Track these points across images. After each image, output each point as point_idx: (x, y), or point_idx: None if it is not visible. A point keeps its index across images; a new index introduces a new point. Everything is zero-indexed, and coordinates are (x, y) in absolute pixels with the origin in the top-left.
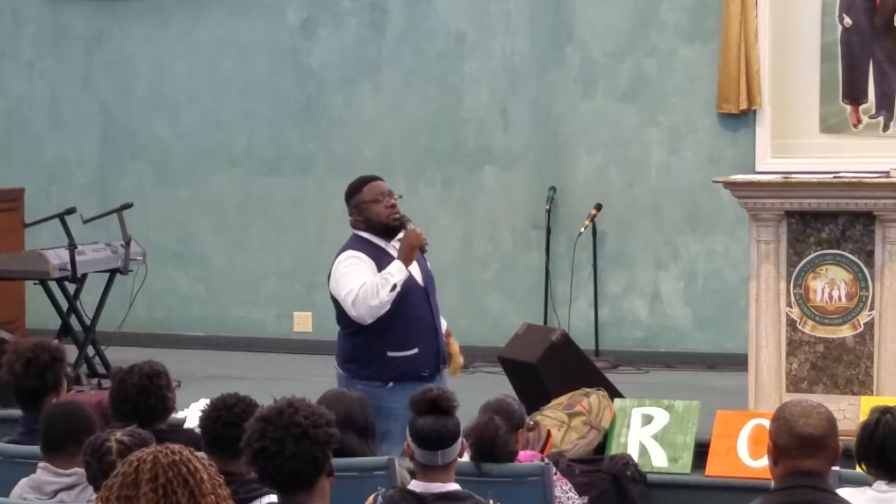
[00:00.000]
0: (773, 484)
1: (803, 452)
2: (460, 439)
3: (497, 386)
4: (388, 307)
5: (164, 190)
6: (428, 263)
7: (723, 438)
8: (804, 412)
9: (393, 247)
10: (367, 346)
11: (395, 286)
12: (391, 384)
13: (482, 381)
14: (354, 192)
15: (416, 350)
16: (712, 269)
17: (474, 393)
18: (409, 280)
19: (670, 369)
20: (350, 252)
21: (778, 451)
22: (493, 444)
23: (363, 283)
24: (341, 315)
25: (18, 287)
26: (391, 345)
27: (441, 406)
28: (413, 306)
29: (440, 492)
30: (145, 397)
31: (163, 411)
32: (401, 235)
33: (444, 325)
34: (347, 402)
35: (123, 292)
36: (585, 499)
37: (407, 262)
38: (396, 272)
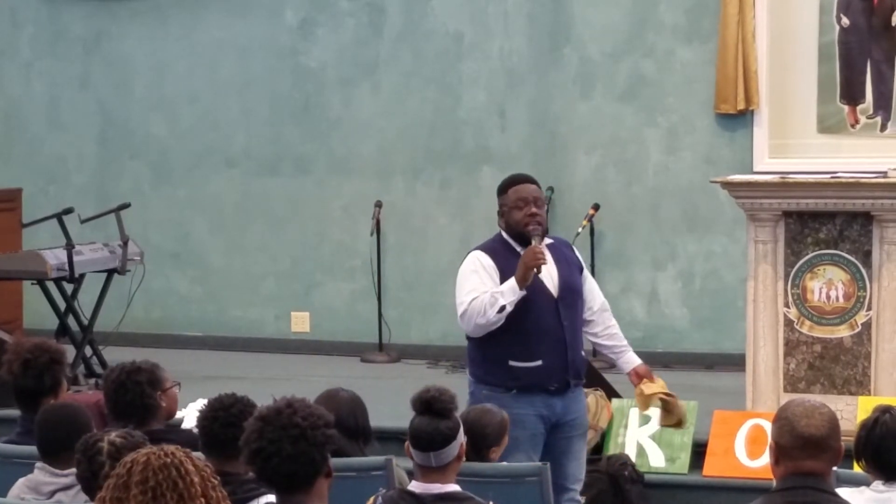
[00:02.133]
0: (773, 483)
1: (804, 453)
2: (458, 441)
3: None
4: (498, 324)
5: (162, 190)
6: (582, 275)
7: (720, 438)
8: (806, 412)
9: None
10: (490, 353)
11: (503, 307)
12: (514, 392)
13: None
14: (500, 192)
15: (539, 362)
16: (710, 269)
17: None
18: (538, 291)
19: (668, 369)
20: (476, 254)
21: (779, 452)
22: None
23: (474, 299)
24: None
25: (16, 287)
26: (513, 355)
27: (435, 407)
28: (538, 317)
29: (439, 493)
30: (122, 393)
31: (143, 408)
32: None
33: (634, 362)
34: (338, 404)
35: (121, 292)
36: (583, 498)
37: (521, 282)
38: (508, 293)
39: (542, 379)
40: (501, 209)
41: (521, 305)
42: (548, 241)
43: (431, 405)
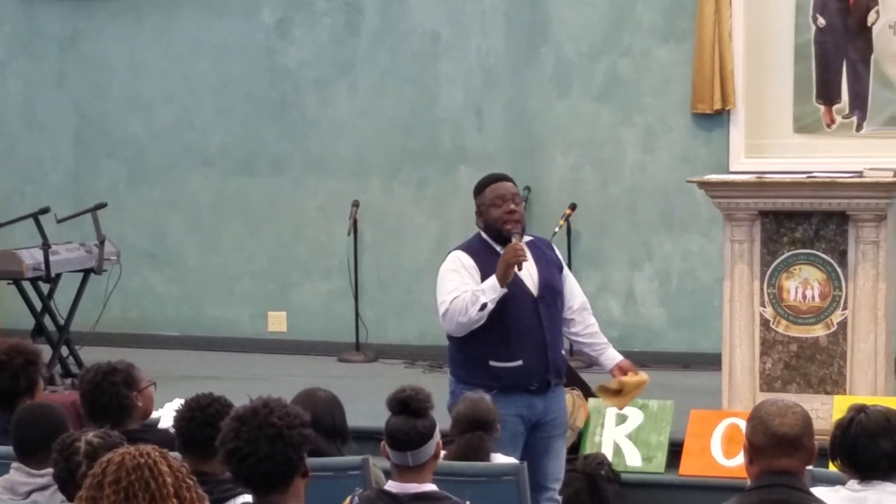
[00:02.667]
0: (748, 483)
1: (778, 452)
2: (434, 441)
3: None
4: (480, 323)
5: (139, 189)
6: (562, 274)
7: (697, 438)
8: (780, 411)
9: None
10: (471, 353)
11: (485, 305)
12: (495, 391)
13: None
14: (477, 191)
15: (520, 362)
16: (686, 268)
17: (447, 393)
18: (518, 290)
19: (644, 369)
20: (457, 254)
21: (753, 451)
22: (479, 456)
23: (455, 297)
24: None
25: None
26: (494, 355)
27: (411, 407)
28: (518, 317)
29: (416, 492)
30: (99, 394)
31: (119, 409)
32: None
33: (616, 358)
34: (315, 403)
35: (97, 292)
36: (560, 498)
37: (502, 279)
38: (489, 290)
39: (523, 379)
40: (479, 208)
41: (501, 305)
42: (527, 239)
43: (408, 405)
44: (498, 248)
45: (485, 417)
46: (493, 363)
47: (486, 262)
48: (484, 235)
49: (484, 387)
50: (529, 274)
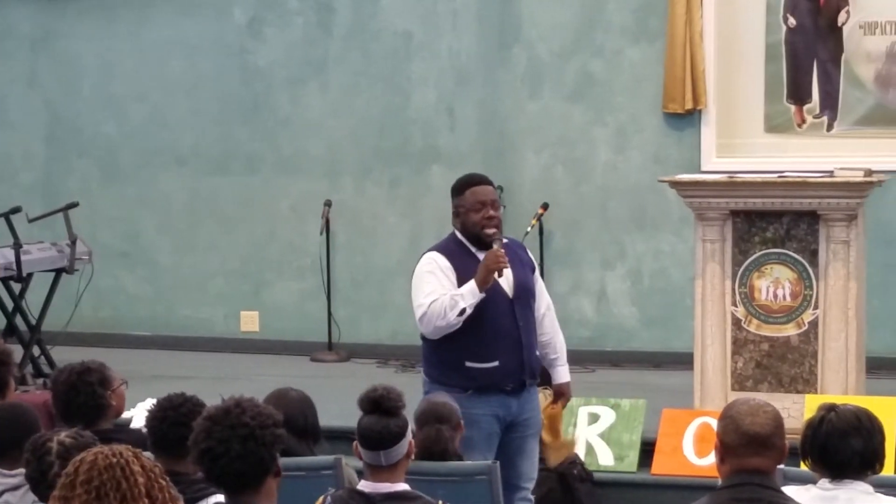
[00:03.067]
0: (719, 481)
1: (749, 451)
2: (406, 440)
3: None
4: (455, 327)
5: (111, 189)
6: (534, 275)
7: (669, 437)
8: (751, 411)
9: (484, 254)
10: (446, 353)
11: (463, 310)
12: (471, 392)
13: None
14: (457, 192)
15: (496, 363)
16: (658, 268)
17: (421, 392)
18: (494, 292)
19: (617, 368)
20: (432, 255)
21: (724, 450)
22: (443, 454)
23: (433, 301)
24: None
25: None
26: (470, 355)
27: (383, 406)
28: (495, 318)
29: (388, 492)
30: (74, 395)
31: (96, 409)
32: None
33: (561, 379)
34: (287, 403)
35: (69, 292)
36: (533, 498)
37: (482, 285)
38: (468, 295)
39: (499, 379)
40: (458, 210)
41: (478, 306)
42: (503, 240)
43: (380, 404)
44: (473, 249)
45: (441, 411)
46: (469, 364)
47: (462, 263)
48: (459, 236)
49: (459, 387)
50: (506, 275)
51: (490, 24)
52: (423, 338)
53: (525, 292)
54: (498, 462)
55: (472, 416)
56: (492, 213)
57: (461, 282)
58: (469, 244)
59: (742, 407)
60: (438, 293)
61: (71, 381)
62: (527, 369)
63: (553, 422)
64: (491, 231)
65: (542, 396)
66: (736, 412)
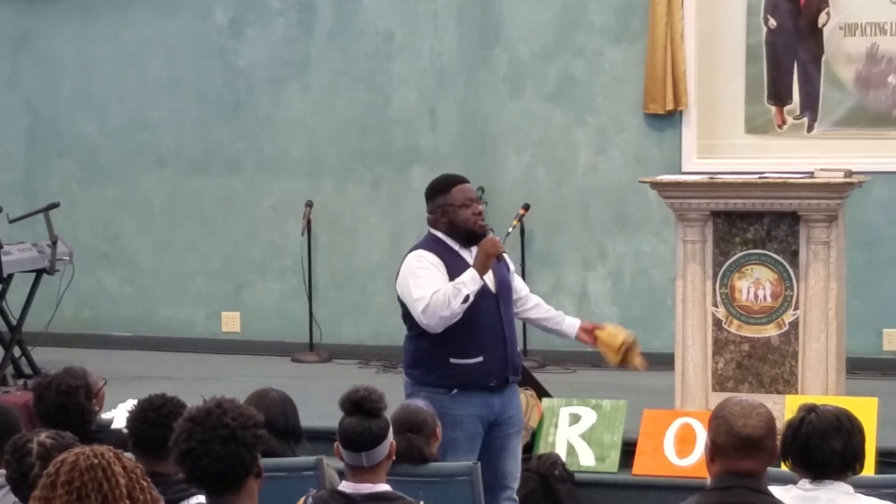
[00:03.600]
0: (705, 481)
1: (741, 453)
2: (388, 441)
3: None
4: (459, 317)
5: (92, 189)
6: (509, 271)
7: (650, 437)
8: (744, 412)
9: (468, 252)
10: (431, 350)
11: (467, 297)
12: (455, 391)
13: None
14: (440, 191)
15: (480, 358)
16: (639, 268)
17: (402, 393)
18: (481, 287)
19: (597, 369)
20: (421, 252)
21: (715, 450)
22: (421, 460)
23: (435, 292)
24: (406, 316)
25: None
26: (455, 352)
27: (365, 407)
28: (481, 314)
29: (369, 492)
30: (64, 414)
31: (82, 423)
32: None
33: (576, 324)
34: (268, 404)
35: (50, 292)
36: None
37: (482, 271)
38: (470, 282)
39: (483, 376)
40: (444, 208)
41: None
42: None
43: (361, 405)
44: (456, 248)
45: (414, 419)
46: (453, 360)
47: (449, 260)
48: (440, 235)
49: (441, 386)
50: (490, 271)
51: (471, 25)
52: (408, 338)
53: (506, 289)
54: (479, 463)
55: (456, 418)
56: (479, 208)
57: (450, 278)
58: (451, 241)
59: (735, 408)
60: (438, 284)
61: (59, 401)
62: (510, 365)
63: (625, 346)
64: (482, 224)
65: (524, 398)
66: (729, 413)
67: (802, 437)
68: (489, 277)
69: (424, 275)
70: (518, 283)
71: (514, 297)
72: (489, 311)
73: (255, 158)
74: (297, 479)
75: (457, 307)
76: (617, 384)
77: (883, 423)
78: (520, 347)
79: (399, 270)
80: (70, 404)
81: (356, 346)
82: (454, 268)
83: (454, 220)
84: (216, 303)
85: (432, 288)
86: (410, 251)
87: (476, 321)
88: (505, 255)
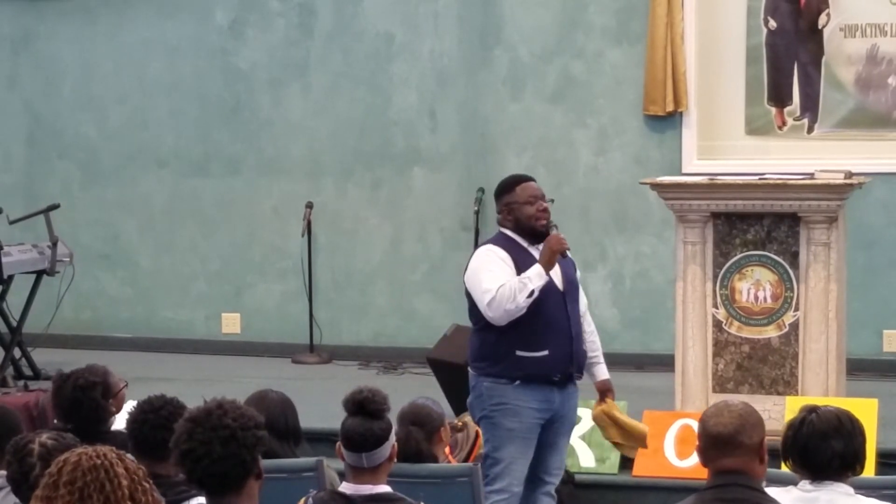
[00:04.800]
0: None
1: (719, 451)
2: (389, 443)
3: (426, 387)
4: (523, 311)
5: (92, 190)
6: (576, 271)
7: (650, 439)
8: (717, 411)
9: (536, 249)
10: (497, 343)
11: (532, 292)
12: (518, 383)
13: (411, 381)
14: (506, 190)
15: (545, 352)
16: (639, 270)
17: (402, 394)
18: (548, 283)
19: None
20: (490, 247)
21: (699, 452)
22: (417, 456)
23: (501, 285)
24: (473, 309)
25: None
26: (521, 344)
27: (368, 408)
28: (547, 309)
29: (370, 493)
30: (77, 408)
31: (97, 420)
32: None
33: (600, 376)
34: (268, 405)
35: (50, 294)
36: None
37: (547, 267)
38: (536, 277)
39: (548, 369)
40: (509, 206)
41: None
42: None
43: (364, 406)
44: (524, 244)
45: (418, 413)
46: (519, 353)
47: (518, 256)
48: (510, 233)
49: (506, 377)
50: (555, 269)
51: (471, 26)
52: (474, 331)
53: (573, 287)
54: (479, 464)
55: (516, 408)
56: (544, 205)
57: (518, 273)
58: (520, 239)
59: (710, 409)
60: (504, 278)
61: (75, 396)
62: (574, 361)
63: (614, 419)
64: (547, 221)
65: None
66: (705, 414)
67: (803, 437)
68: (556, 274)
69: (493, 268)
70: (581, 295)
71: None
72: (556, 306)
73: (255, 159)
74: (298, 480)
75: (522, 301)
76: (617, 385)
77: (883, 424)
78: None
79: (467, 265)
80: (85, 399)
81: (356, 348)
82: (522, 263)
83: (519, 218)
84: (216, 304)
85: (499, 281)
86: (480, 246)
87: (542, 316)
88: (570, 256)
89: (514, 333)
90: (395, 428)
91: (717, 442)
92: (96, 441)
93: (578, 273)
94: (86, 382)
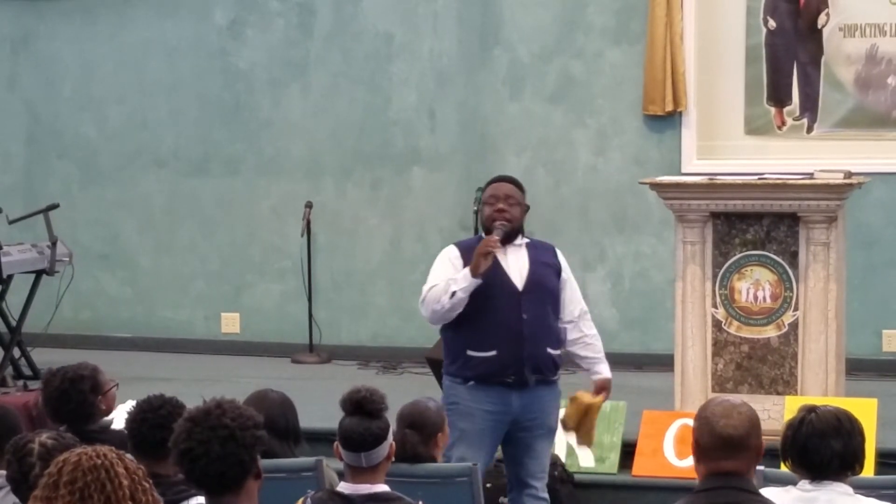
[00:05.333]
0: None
1: (723, 453)
2: (387, 442)
3: (425, 387)
4: (454, 311)
5: (91, 190)
6: (560, 278)
7: (649, 438)
8: (725, 412)
9: (504, 249)
10: (452, 341)
11: (454, 293)
12: (472, 383)
13: (410, 381)
14: (483, 190)
15: (494, 352)
16: (639, 270)
17: (401, 394)
18: (501, 283)
19: None
20: (447, 248)
21: (699, 451)
22: (414, 458)
23: (433, 286)
24: None
25: None
26: (471, 343)
27: (366, 408)
28: (498, 309)
29: (368, 493)
30: (65, 401)
31: (85, 416)
32: (518, 241)
33: (599, 374)
34: (268, 405)
35: (50, 293)
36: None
37: (472, 270)
38: (462, 279)
39: (497, 370)
40: (481, 206)
41: (482, 296)
42: (525, 240)
43: (362, 405)
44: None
45: (417, 416)
46: (469, 352)
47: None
48: (482, 232)
49: (460, 377)
50: (518, 269)
51: (471, 26)
52: (440, 328)
53: (538, 289)
54: (478, 464)
55: (468, 409)
56: (502, 206)
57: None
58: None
59: (716, 408)
60: (440, 279)
61: (63, 387)
62: (528, 363)
63: (589, 411)
64: (499, 222)
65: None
66: (710, 413)
67: (802, 437)
68: (518, 274)
69: (436, 269)
70: (570, 302)
71: (567, 317)
72: (509, 307)
73: (254, 159)
74: (297, 479)
75: (446, 302)
76: (616, 385)
77: (882, 423)
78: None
79: None
80: (73, 392)
81: (356, 348)
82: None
83: (481, 217)
84: (216, 304)
85: (432, 283)
86: None
87: (492, 315)
88: (561, 261)
89: (464, 332)
90: (393, 428)
91: (726, 443)
92: (94, 441)
93: (564, 276)
94: (75, 375)
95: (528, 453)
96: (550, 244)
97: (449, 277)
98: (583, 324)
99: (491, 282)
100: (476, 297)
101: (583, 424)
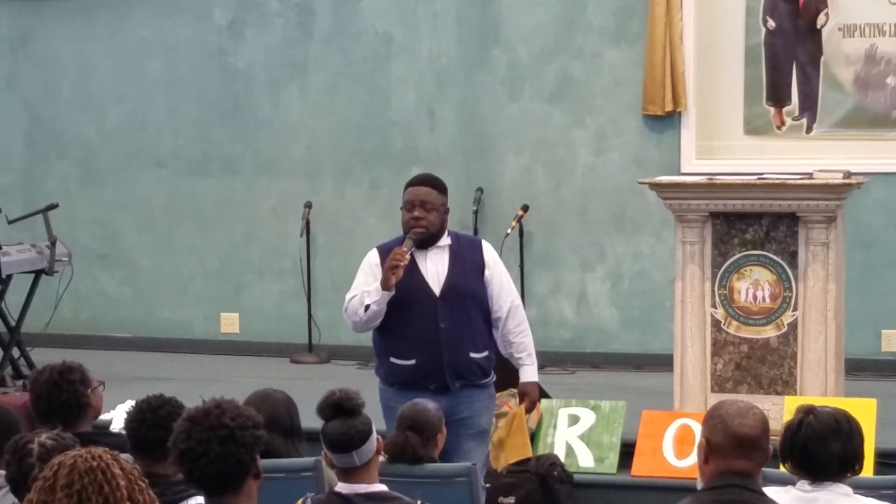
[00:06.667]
0: (699, 482)
1: (736, 452)
2: (374, 436)
3: None
4: (374, 321)
5: (90, 190)
6: (485, 276)
7: (648, 438)
8: (740, 412)
9: (425, 252)
10: (379, 346)
11: (368, 306)
12: (397, 387)
13: None
14: (404, 190)
15: (413, 361)
16: (638, 270)
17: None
18: (417, 290)
19: (597, 370)
20: (370, 253)
21: (710, 450)
22: (415, 459)
23: (352, 298)
24: None
25: None
26: (392, 351)
27: (345, 407)
28: (414, 318)
29: (366, 492)
30: (57, 393)
31: (78, 408)
32: (441, 242)
33: (525, 378)
34: (272, 404)
35: (49, 293)
36: (512, 499)
37: (383, 284)
38: (374, 293)
39: (418, 378)
40: (401, 208)
41: (400, 304)
42: (447, 241)
43: (341, 406)
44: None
45: (417, 419)
46: (392, 359)
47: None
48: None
49: (387, 382)
50: (436, 274)
51: (470, 26)
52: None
53: (456, 293)
54: (477, 464)
55: (392, 409)
56: (417, 213)
57: (403, 279)
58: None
59: (731, 408)
60: (358, 290)
61: (53, 379)
62: (449, 370)
63: (516, 420)
64: (415, 231)
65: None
66: (725, 413)
67: (801, 440)
68: (436, 279)
69: (357, 277)
70: (497, 298)
71: (495, 314)
72: (425, 314)
73: (253, 159)
74: (296, 479)
75: (362, 314)
76: (616, 385)
77: (882, 424)
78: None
79: None
80: (64, 383)
81: (355, 348)
82: (407, 270)
83: (402, 222)
84: (215, 304)
85: (353, 292)
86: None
87: (409, 324)
88: (487, 256)
89: (387, 340)
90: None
91: (741, 442)
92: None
93: (488, 273)
94: (63, 367)
95: (456, 453)
96: (478, 238)
97: (363, 290)
98: (510, 320)
99: (407, 289)
100: (394, 305)
101: (516, 436)
